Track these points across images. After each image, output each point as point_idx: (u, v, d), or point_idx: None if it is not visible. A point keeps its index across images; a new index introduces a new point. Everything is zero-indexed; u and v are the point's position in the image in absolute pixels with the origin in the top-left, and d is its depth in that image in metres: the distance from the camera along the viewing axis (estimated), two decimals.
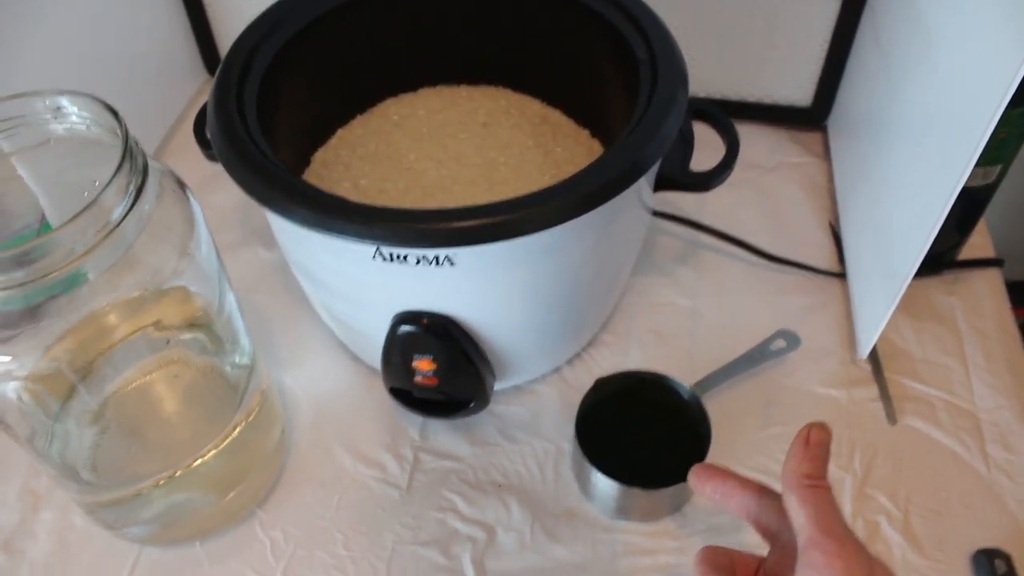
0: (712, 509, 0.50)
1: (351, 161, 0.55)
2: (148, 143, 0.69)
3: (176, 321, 0.45)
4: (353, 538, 0.50)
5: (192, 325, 0.46)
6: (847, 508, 0.50)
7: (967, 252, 0.63)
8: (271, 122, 0.49)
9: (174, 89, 0.78)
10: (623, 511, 0.49)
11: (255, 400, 0.50)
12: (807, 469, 0.34)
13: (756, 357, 0.55)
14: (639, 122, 0.43)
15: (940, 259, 0.62)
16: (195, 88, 0.80)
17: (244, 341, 0.48)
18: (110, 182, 0.35)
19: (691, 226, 0.64)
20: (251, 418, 0.49)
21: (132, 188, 0.36)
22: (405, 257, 0.41)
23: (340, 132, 0.58)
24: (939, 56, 0.49)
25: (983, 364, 0.57)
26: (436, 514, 0.50)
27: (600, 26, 0.51)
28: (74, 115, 0.39)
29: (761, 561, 0.37)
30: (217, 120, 0.45)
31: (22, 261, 0.33)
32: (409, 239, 0.39)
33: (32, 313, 0.37)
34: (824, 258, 0.64)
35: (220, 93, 0.46)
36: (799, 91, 0.70)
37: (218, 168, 0.44)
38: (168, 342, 0.44)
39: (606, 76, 0.53)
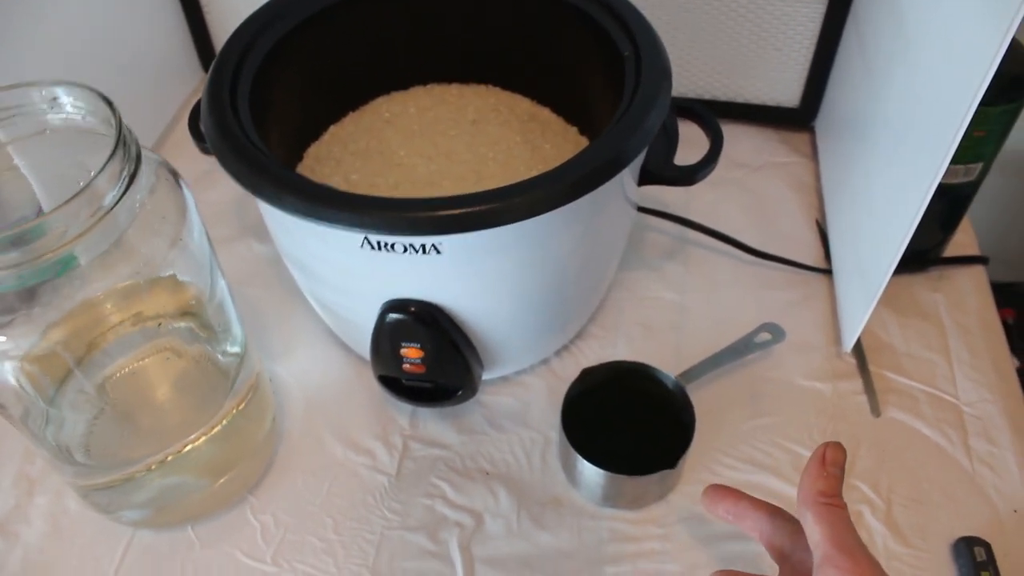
0: (697, 497, 0.51)
1: (343, 156, 0.56)
2: (145, 140, 0.70)
3: (169, 309, 0.46)
4: (343, 523, 0.50)
5: (185, 313, 0.47)
6: None
7: (952, 250, 0.64)
8: (264, 118, 0.50)
9: (171, 88, 0.79)
10: (609, 498, 0.50)
11: (247, 388, 0.50)
12: (822, 487, 0.34)
13: (741, 349, 0.56)
14: (623, 115, 0.44)
15: (925, 256, 0.63)
16: (191, 87, 0.81)
17: (236, 330, 0.49)
18: (103, 168, 0.36)
19: (679, 222, 0.65)
20: (243, 406, 0.50)
21: (125, 174, 0.37)
22: (392, 245, 0.42)
23: (332, 129, 0.59)
24: (917, 56, 0.50)
25: (967, 359, 0.58)
26: (424, 500, 0.51)
27: (586, 24, 0.52)
28: (69, 105, 0.40)
29: None
30: (211, 113, 0.46)
31: (17, 242, 0.34)
32: (395, 227, 0.40)
33: (28, 298, 0.38)
34: (810, 255, 0.64)
35: (214, 87, 0.47)
36: (787, 92, 0.71)
37: (213, 165, 0.45)
38: (160, 325, 0.45)
39: (593, 74, 0.54)
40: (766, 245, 0.64)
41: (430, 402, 0.52)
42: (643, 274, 0.63)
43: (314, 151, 0.57)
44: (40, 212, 0.43)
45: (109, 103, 0.38)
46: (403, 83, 0.61)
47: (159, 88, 0.77)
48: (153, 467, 0.47)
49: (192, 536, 0.50)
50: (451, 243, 0.41)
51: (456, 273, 0.44)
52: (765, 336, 0.56)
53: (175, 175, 0.42)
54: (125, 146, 0.37)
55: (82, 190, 0.35)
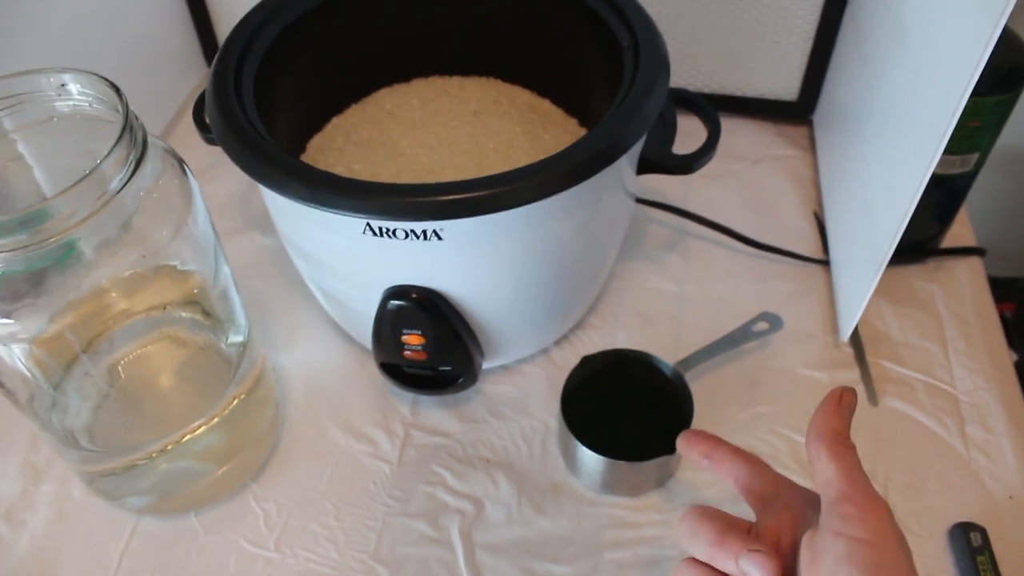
0: (696, 483, 0.51)
1: (345, 147, 0.56)
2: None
3: (174, 297, 0.47)
4: (344, 510, 0.51)
5: (189, 302, 0.48)
6: None
7: (949, 242, 0.65)
8: (267, 109, 0.50)
9: (174, 82, 0.79)
10: (608, 485, 0.50)
11: (250, 377, 0.51)
12: (838, 427, 0.34)
13: (739, 337, 0.56)
14: (621, 103, 0.45)
15: (922, 247, 0.64)
16: (195, 82, 0.82)
17: (240, 319, 0.50)
18: (110, 152, 0.37)
19: (678, 214, 0.65)
20: (246, 394, 0.50)
21: (131, 160, 0.38)
22: (394, 231, 0.42)
23: (335, 120, 0.59)
24: (913, 47, 0.50)
25: (963, 348, 0.58)
26: (425, 487, 0.52)
27: (585, 15, 0.52)
28: (77, 92, 0.41)
29: (751, 526, 0.37)
30: (215, 103, 0.47)
31: (25, 224, 0.35)
32: (397, 212, 0.41)
33: (37, 282, 0.39)
34: (808, 246, 0.65)
35: (219, 77, 0.48)
36: (785, 85, 0.72)
37: (215, 159, 0.46)
38: (165, 307, 0.46)
39: (592, 65, 0.54)
40: (764, 237, 0.65)
41: (431, 390, 0.52)
42: (642, 265, 0.64)
43: (316, 142, 0.57)
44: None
45: (116, 89, 0.39)
46: (405, 75, 0.62)
47: (162, 82, 0.77)
48: (156, 454, 0.48)
49: (196, 523, 0.51)
50: (452, 229, 0.42)
51: (457, 259, 0.45)
52: (763, 325, 0.57)
53: (181, 163, 0.43)
54: (132, 131, 0.38)
55: (89, 173, 0.36)
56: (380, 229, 0.42)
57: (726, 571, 0.35)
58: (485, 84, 0.61)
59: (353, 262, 0.47)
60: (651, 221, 0.67)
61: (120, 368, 0.48)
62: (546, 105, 0.60)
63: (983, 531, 0.48)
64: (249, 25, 0.51)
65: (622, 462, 0.48)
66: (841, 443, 0.34)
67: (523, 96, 0.60)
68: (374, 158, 0.55)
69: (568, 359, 0.57)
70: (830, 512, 0.32)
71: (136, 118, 0.39)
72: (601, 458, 0.48)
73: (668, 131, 0.51)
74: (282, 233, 0.52)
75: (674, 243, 0.66)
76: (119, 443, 0.48)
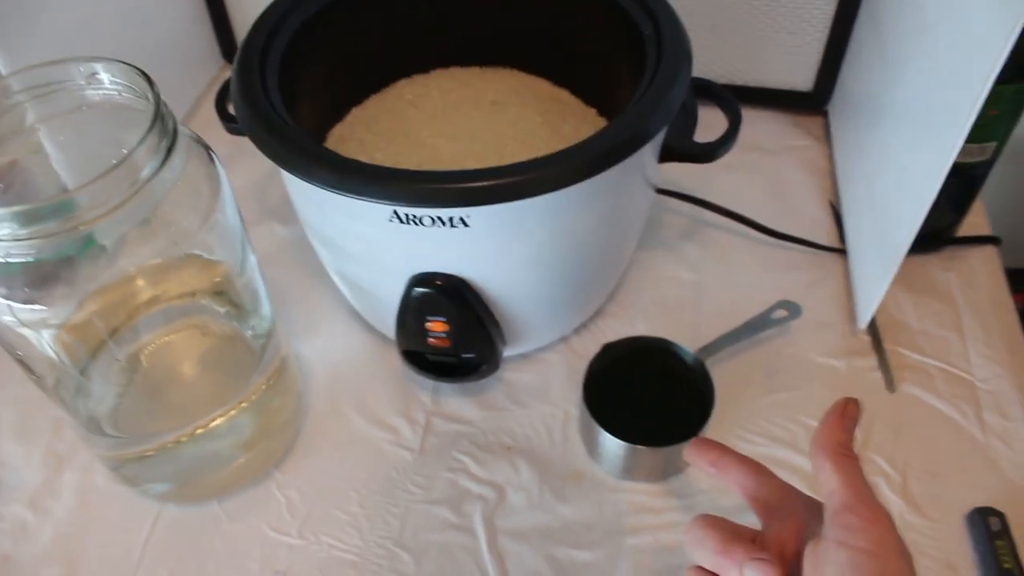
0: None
1: (366, 137, 0.57)
2: None
3: (201, 286, 0.47)
4: (367, 497, 0.51)
5: (216, 291, 0.48)
6: None
7: (965, 231, 0.65)
8: (291, 98, 0.50)
9: (191, 75, 0.80)
10: (629, 471, 0.51)
11: (273, 366, 0.51)
12: (841, 438, 0.35)
13: (758, 325, 0.56)
14: (645, 92, 0.45)
15: (938, 236, 0.64)
16: (211, 74, 0.82)
17: (265, 308, 0.50)
18: (142, 140, 0.37)
19: (695, 203, 0.65)
20: (270, 383, 0.51)
21: (162, 148, 0.38)
22: (420, 219, 0.43)
23: (355, 111, 0.59)
24: (935, 37, 0.50)
25: (980, 336, 0.59)
26: (447, 474, 0.52)
27: (606, 5, 0.53)
28: (108, 81, 0.41)
29: (757, 535, 0.37)
30: (241, 91, 0.47)
31: (56, 212, 0.35)
32: (424, 199, 0.41)
33: (65, 270, 0.39)
34: (825, 235, 0.65)
35: (244, 66, 0.48)
36: (801, 76, 0.72)
37: (233, 150, 0.45)
38: (193, 295, 0.46)
39: (613, 55, 0.54)
40: (781, 226, 0.65)
41: (453, 377, 0.53)
42: (660, 254, 0.64)
43: (337, 132, 0.58)
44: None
45: (147, 78, 0.39)
46: (424, 66, 0.62)
47: (178, 75, 0.77)
48: (179, 441, 0.48)
49: (219, 511, 0.51)
50: (479, 216, 0.42)
51: (483, 247, 0.45)
52: (782, 313, 0.57)
53: (208, 150, 0.43)
54: (163, 119, 0.38)
55: (121, 162, 0.36)
56: (407, 216, 0.42)
57: None
58: (504, 74, 0.61)
59: (379, 250, 0.47)
60: (669, 210, 0.67)
61: (145, 355, 0.48)
62: (564, 95, 0.60)
63: (1002, 516, 0.48)
64: (272, 16, 0.51)
65: (643, 447, 0.48)
66: (844, 454, 0.34)
67: (541, 86, 0.61)
68: (395, 148, 0.55)
69: (587, 347, 0.58)
70: (833, 522, 0.33)
71: (166, 106, 0.39)
72: (623, 444, 0.48)
73: (689, 120, 0.52)
74: (305, 222, 0.52)
75: (691, 232, 0.66)
76: (143, 430, 0.48)
